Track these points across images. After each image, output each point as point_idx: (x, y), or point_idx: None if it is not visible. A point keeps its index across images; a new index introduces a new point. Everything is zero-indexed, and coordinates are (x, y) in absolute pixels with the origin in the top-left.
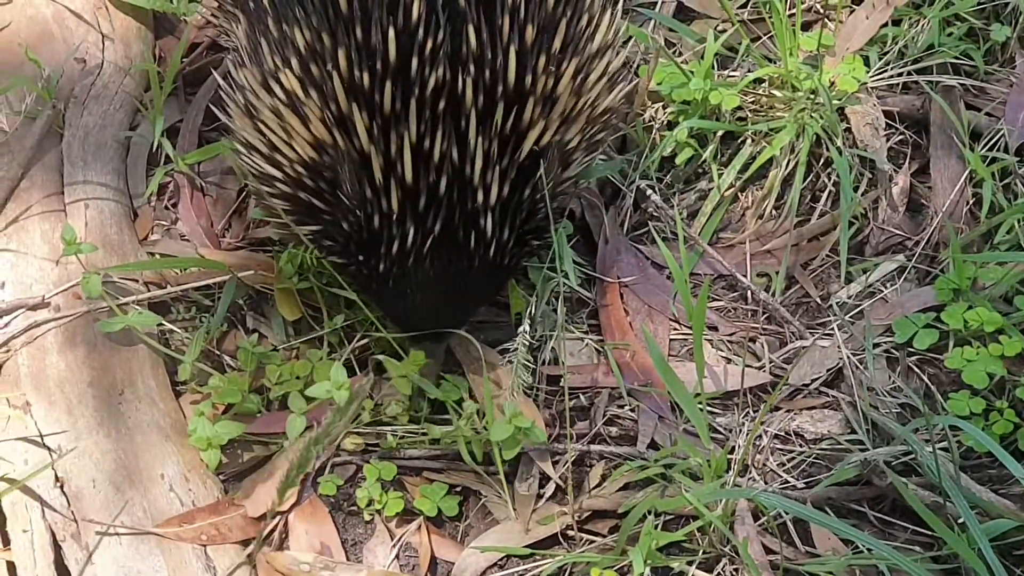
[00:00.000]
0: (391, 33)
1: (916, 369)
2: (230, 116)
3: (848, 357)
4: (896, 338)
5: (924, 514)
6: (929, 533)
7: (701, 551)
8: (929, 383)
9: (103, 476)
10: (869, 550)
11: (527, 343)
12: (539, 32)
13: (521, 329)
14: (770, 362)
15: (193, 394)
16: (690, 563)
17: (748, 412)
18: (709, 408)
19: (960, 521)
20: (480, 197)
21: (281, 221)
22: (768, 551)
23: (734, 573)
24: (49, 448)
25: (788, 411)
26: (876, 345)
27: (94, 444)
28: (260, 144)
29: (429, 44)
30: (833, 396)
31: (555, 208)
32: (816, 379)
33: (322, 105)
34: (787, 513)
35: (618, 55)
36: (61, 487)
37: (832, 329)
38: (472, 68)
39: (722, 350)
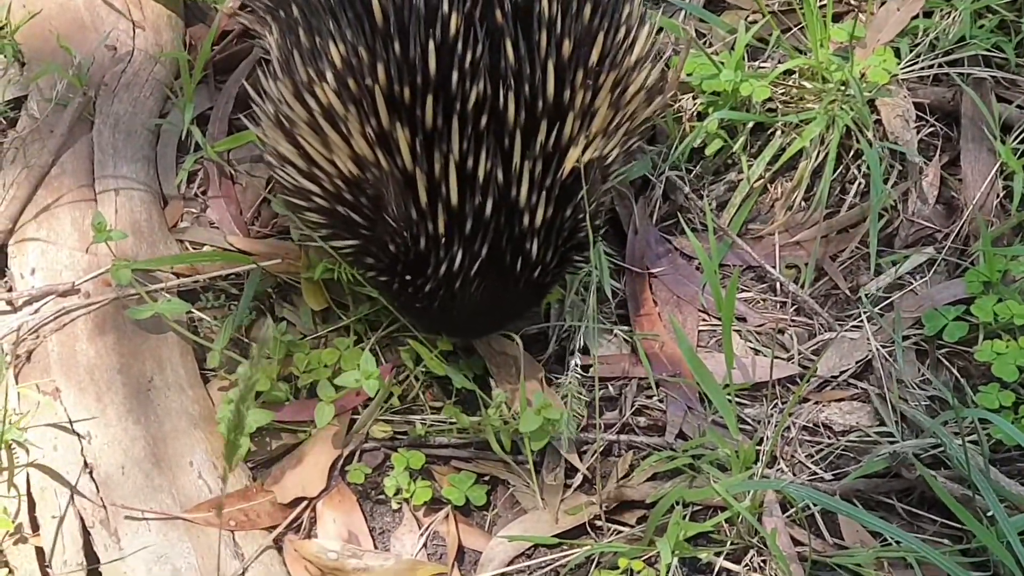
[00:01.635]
0: (431, 46)
1: (945, 362)
2: (261, 127)
3: (877, 349)
4: (925, 331)
5: (953, 507)
6: (958, 526)
7: (729, 542)
8: (959, 376)
9: (132, 463)
10: (897, 542)
11: (578, 376)
12: (576, 46)
13: (573, 363)
14: (799, 354)
15: (221, 381)
16: (718, 554)
17: (776, 403)
18: (737, 399)
19: (989, 514)
20: (526, 220)
21: (311, 235)
22: (796, 543)
23: (762, 564)
24: (79, 434)
25: (816, 403)
26: (905, 337)
27: (123, 431)
28: (295, 157)
29: (468, 58)
30: (862, 388)
31: (595, 225)
32: (845, 371)
33: (362, 120)
34: (815, 505)
35: (655, 67)
36: (90, 473)
37: (861, 321)
38: (512, 82)
39: (751, 341)
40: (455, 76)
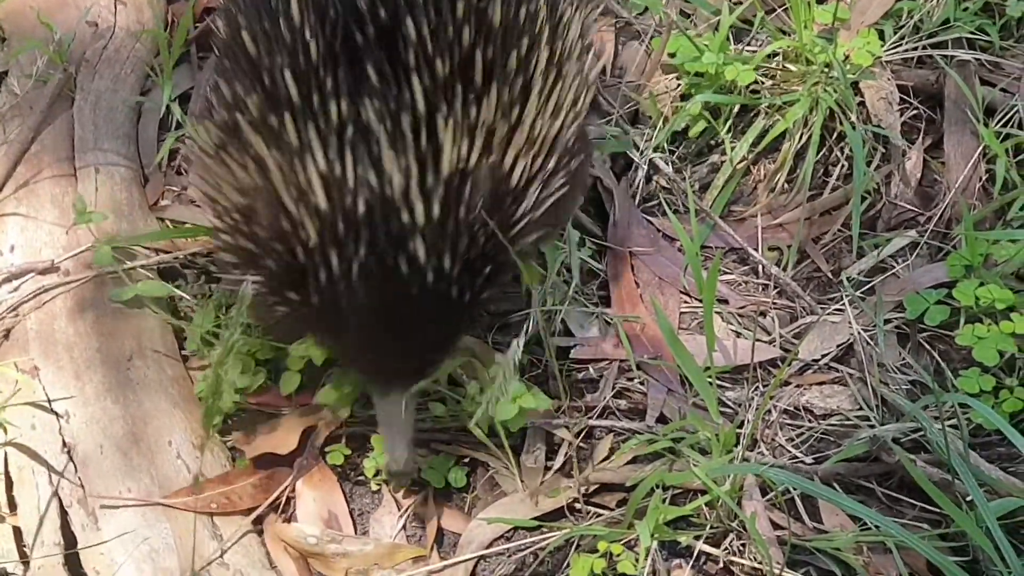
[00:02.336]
0: (287, 75)
1: (926, 346)
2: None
3: (859, 333)
4: (907, 314)
5: (932, 491)
6: (937, 511)
7: (709, 526)
8: (939, 360)
9: (110, 442)
10: (877, 527)
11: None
12: (460, 63)
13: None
14: (780, 337)
15: (201, 361)
16: (697, 537)
17: (757, 387)
18: (718, 382)
19: (968, 499)
20: (405, 217)
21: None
22: (776, 527)
23: (741, 548)
24: (57, 413)
25: (798, 386)
26: (887, 321)
27: (102, 410)
28: (201, 195)
29: (329, 82)
30: (843, 372)
31: (517, 247)
32: (826, 354)
33: (240, 151)
34: (795, 489)
35: (571, 87)
36: (68, 452)
37: (843, 304)
38: (374, 100)
39: (732, 324)
40: (315, 98)
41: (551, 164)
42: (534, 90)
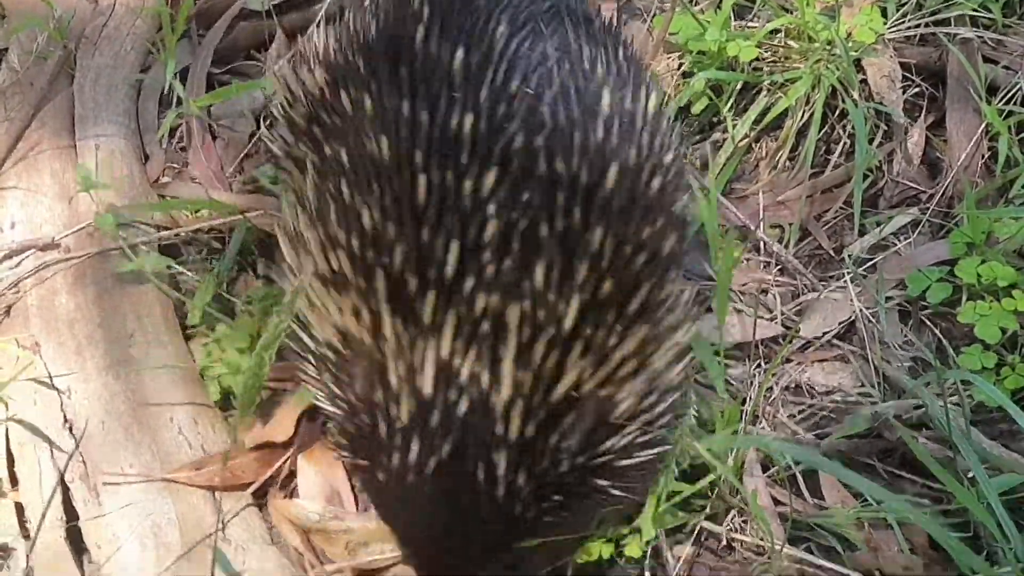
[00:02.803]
0: (454, 248)
1: (928, 323)
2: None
3: (860, 310)
4: (909, 292)
5: (933, 467)
6: (939, 488)
7: (709, 504)
8: (941, 337)
9: (112, 418)
10: (878, 502)
11: None
12: (616, 288)
13: None
14: (782, 314)
15: (203, 338)
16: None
17: (759, 364)
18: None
19: (970, 476)
20: (500, 429)
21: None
22: (777, 503)
23: (743, 525)
24: (58, 389)
25: (799, 364)
26: (889, 299)
27: (103, 386)
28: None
29: (490, 270)
30: (845, 349)
31: (584, 488)
32: (828, 332)
33: (360, 298)
34: (797, 464)
35: (688, 332)
36: (70, 428)
37: (845, 282)
38: (528, 304)
39: (734, 301)
40: (470, 283)
41: (658, 409)
42: (672, 337)
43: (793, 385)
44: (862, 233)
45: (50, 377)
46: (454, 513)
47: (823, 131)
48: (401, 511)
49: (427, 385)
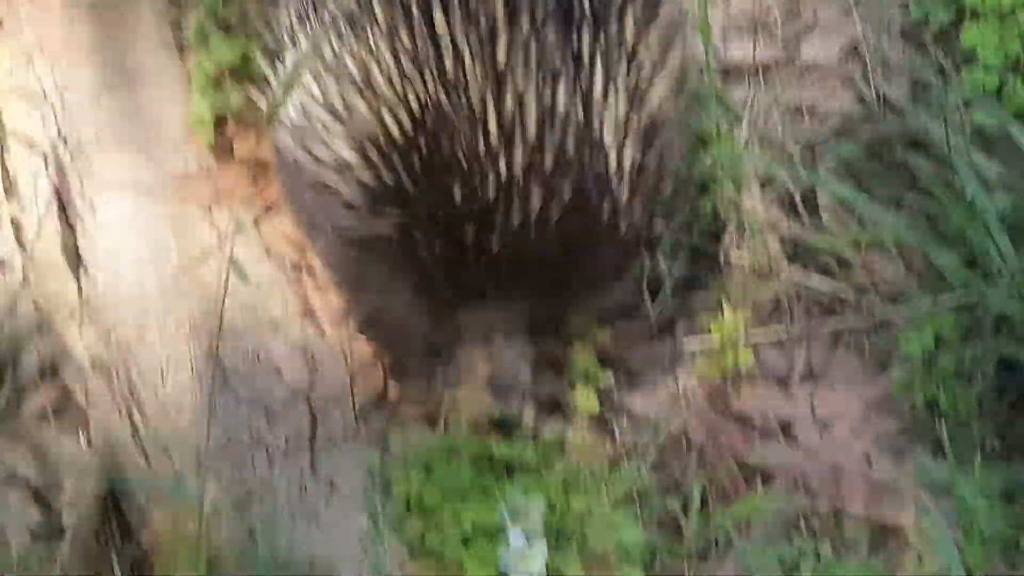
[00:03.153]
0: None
1: (931, 46)
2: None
3: (863, 32)
4: (912, 13)
5: (932, 185)
6: (937, 213)
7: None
8: (943, 62)
9: (107, 131)
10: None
11: None
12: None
13: None
14: (783, 37)
15: (197, 55)
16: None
17: (759, 86)
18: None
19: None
20: (613, 159)
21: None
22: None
23: (739, 244)
24: (52, 103)
25: (800, 86)
26: (891, 21)
27: (98, 100)
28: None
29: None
30: (846, 71)
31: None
32: (830, 54)
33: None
34: (795, 184)
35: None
36: (64, 141)
37: (848, 2)
38: (585, 31)
39: (735, 22)
40: (525, 18)
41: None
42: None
43: (793, 107)
44: None
45: (43, 91)
46: (574, 261)
47: None
48: (512, 272)
49: (531, 128)
